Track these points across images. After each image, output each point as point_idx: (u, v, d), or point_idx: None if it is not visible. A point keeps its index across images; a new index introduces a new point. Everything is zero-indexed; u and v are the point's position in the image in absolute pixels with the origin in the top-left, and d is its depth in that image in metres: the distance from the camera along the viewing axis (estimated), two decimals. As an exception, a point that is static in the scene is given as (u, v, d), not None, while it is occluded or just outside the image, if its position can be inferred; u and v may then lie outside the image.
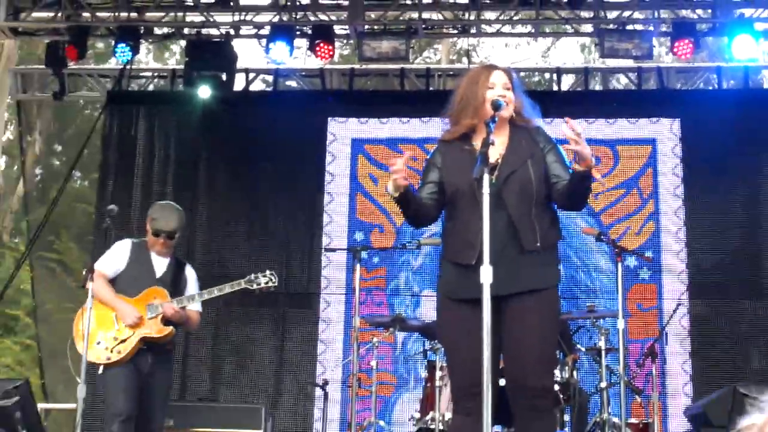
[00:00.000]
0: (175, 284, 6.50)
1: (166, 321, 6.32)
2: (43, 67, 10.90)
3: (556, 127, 4.47)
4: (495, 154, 4.33)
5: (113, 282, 6.39)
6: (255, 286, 6.51)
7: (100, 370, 6.18)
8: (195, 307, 6.54)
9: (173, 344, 6.58)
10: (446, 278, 4.44)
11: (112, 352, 6.18)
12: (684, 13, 10.25)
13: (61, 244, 19.23)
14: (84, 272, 6.13)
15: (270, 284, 6.52)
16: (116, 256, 6.43)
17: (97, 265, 6.29)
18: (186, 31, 10.70)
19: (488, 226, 3.93)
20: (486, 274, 3.89)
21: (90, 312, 5.93)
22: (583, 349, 7.56)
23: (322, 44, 10.05)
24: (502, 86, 4.44)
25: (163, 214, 6.52)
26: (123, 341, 6.22)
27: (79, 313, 6.36)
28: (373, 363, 7.66)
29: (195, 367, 10.00)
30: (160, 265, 6.52)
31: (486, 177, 3.98)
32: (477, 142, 4.32)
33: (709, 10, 10.11)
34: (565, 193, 4.31)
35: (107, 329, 6.23)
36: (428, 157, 4.61)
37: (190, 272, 6.69)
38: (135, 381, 6.21)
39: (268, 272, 6.55)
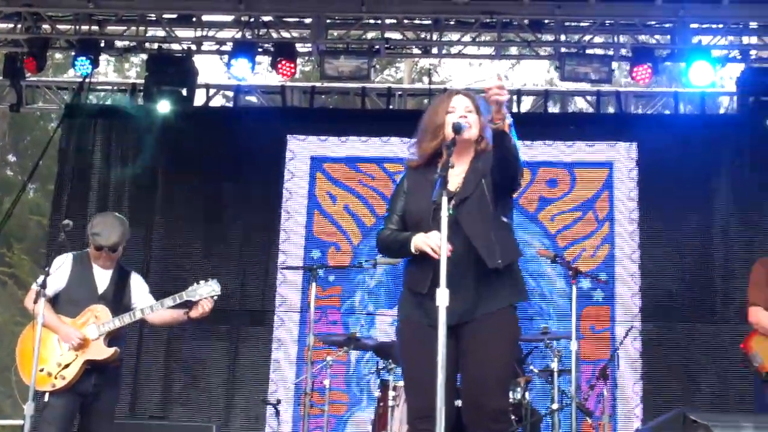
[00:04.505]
0: (118, 299, 6.28)
1: (110, 341, 6.18)
2: (0, 78, 10.78)
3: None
4: (456, 182, 4.34)
5: (54, 300, 6.16)
6: (197, 297, 6.15)
7: (46, 398, 5.98)
8: (146, 312, 6.22)
9: (121, 361, 6.38)
10: (405, 304, 4.46)
11: (56, 378, 6.01)
12: (643, 38, 10.38)
13: (14, 257, 19.04)
14: (37, 290, 5.93)
15: (213, 293, 6.16)
16: (56, 274, 6.14)
17: (36, 284, 6.04)
18: (147, 45, 10.67)
19: (446, 248, 3.93)
20: (442, 297, 3.89)
21: (39, 328, 5.74)
22: (536, 371, 7.60)
23: (283, 62, 10.05)
24: (463, 109, 4.45)
25: (104, 229, 6.25)
26: (67, 366, 6.05)
27: (21, 339, 6.19)
28: (326, 382, 7.63)
29: (146, 384, 9.90)
30: (103, 279, 6.30)
31: (445, 201, 3.98)
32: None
33: (668, 36, 10.24)
34: (494, 166, 4.28)
35: (50, 354, 6.05)
36: (397, 183, 4.61)
37: (135, 280, 6.45)
38: (71, 411, 6.06)
39: (210, 281, 6.20)
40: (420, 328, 4.29)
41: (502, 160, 4.23)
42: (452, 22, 10.43)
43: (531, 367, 7.59)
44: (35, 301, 5.88)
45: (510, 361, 4.50)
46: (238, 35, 10.35)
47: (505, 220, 4.39)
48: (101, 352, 6.13)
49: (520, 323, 4.52)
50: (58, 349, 6.10)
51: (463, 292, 4.17)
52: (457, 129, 4.28)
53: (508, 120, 4.15)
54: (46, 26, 10.42)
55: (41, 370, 5.96)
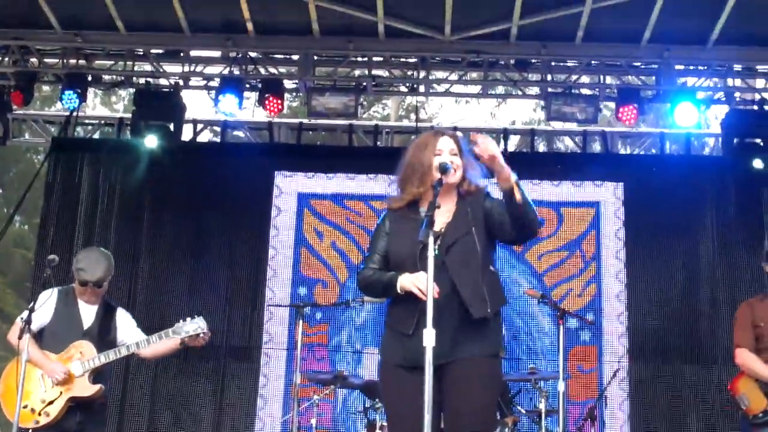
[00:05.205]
0: (103, 334, 6.25)
1: (94, 378, 6.14)
2: (-13, 111, 10.71)
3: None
4: (440, 222, 4.30)
5: (38, 336, 6.14)
6: (183, 334, 6.14)
7: None
8: (132, 349, 6.20)
9: (106, 398, 6.36)
10: (387, 345, 4.44)
11: (40, 415, 5.97)
12: (629, 79, 10.47)
13: (-3, 290, 18.93)
14: (21, 326, 5.90)
15: (199, 331, 6.14)
16: (41, 309, 6.08)
17: (20, 319, 6.01)
18: (135, 79, 10.66)
19: (432, 289, 3.92)
20: (429, 338, 3.87)
21: (24, 365, 5.69)
22: (524, 411, 7.57)
23: (271, 98, 10.07)
24: (449, 152, 4.44)
25: (89, 264, 6.24)
26: (51, 403, 6.01)
27: (4, 374, 6.15)
28: (313, 421, 7.59)
29: (132, 422, 9.77)
30: (88, 314, 6.28)
31: (431, 241, 3.98)
32: (424, 209, 4.27)
33: (653, 78, 10.32)
34: (509, 224, 4.25)
35: (34, 391, 6.02)
36: (378, 222, 4.59)
37: (121, 316, 6.43)
38: None
39: (196, 317, 6.19)
40: (402, 369, 4.28)
41: (516, 221, 4.22)
42: (439, 61, 10.49)
43: (518, 408, 7.56)
44: (20, 337, 5.85)
45: (492, 404, 4.48)
46: (226, 71, 10.37)
47: (492, 269, 4.39)
48: (86, 389, 6.09)
49: (507, 363, 4.54)
50: (42, 385, 6.06)
51: (446, 334, 4.13)
52: (444, 170, 4.31)
53: (513, 177, 4.15)
54: (33, 60, 10.41)
55: (25, 407, 5.93)
